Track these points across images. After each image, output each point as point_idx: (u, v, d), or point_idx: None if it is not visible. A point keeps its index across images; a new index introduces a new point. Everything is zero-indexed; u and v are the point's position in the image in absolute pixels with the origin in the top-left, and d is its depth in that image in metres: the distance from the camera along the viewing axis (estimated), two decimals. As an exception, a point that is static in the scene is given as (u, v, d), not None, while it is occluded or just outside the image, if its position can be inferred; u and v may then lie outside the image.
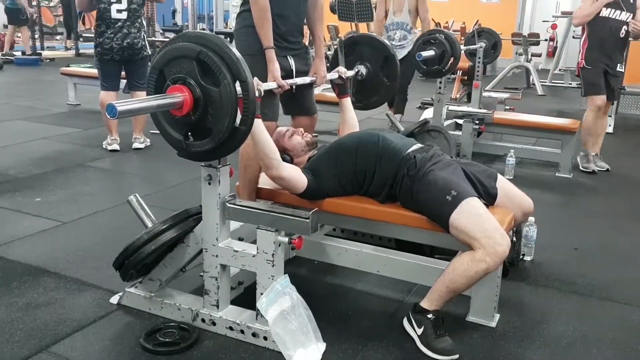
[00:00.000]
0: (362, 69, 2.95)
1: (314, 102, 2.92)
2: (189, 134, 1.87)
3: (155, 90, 1.87)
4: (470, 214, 2.08)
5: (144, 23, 4.90)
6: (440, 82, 4.57)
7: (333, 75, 2.75)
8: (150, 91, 1.88)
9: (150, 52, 4.95)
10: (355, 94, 2.88)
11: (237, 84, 1.78)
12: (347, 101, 2.83)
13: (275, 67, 2.55)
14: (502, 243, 2.03)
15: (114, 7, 4.60)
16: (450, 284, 2.08)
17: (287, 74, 2.65)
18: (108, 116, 1.57)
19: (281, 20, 2.64)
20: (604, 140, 4.71)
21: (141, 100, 1.75)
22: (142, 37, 4.78)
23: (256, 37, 2.60)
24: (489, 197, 2.34)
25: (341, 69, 2.78)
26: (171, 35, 8.39)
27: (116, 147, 4.87)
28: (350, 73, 2.86)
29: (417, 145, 2.39)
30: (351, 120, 2.80)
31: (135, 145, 4.95)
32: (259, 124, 2.11)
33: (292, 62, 2.72)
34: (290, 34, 2.74)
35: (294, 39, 2.78)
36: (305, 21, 2.85)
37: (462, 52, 4.56)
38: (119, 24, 4.63)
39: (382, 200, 2.31)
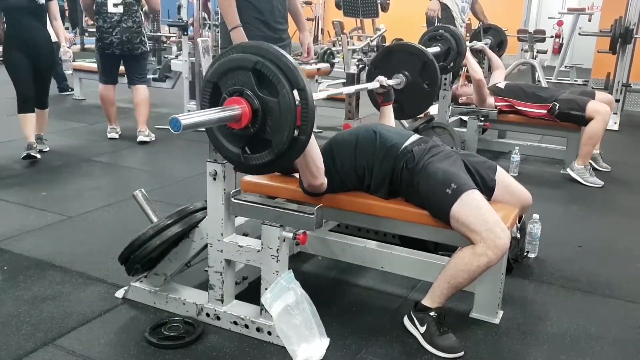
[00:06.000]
0: (402, 78, 2.93)
1: None
2: (246, 147, 1.84)
3: (210, 104, 1.83)
4: (471, 206, 2.08)
5: (142, 18, 4.95)
6: (445, 79, 4.56)
7: (374, 84, 2.73)
8: (204, 105, 1.84)
9: (148, 48, 5.03)
10: (396, 103, 2.86)
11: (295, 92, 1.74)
12: (389, 109, 2.81)
13: None
14: (503, 236, 2.03)
15: (110, 2, 4.76)
16: (452, 280, 2.08)
17: None
18: (172, 130, 1.56)
19: (260, 3, 2.66)
20: (609, 138, 4.69)
21: (202, 113, 1.70)
22: (141, 32, 4.88)
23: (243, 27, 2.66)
24: (487, 190, 2.33)
25: (381, 77, 2.75)
26: (176, 30, 8.35)
27: (114, 135, 5.10)
28: (392, 82, 2.83)
29: (415, 138, 2.37)
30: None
31: (140, 138, 5.00)
32: None
33: None
34: (274, 19, 2.78)
35: (280, 27, 2.82)
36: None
37: (468, 48, 4.55)
38: (116, 18, 4.77)
39: (384, 196, 2.31)
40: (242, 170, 1.94)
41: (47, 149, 4.59)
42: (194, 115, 1.64)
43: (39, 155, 4.25)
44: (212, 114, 1.71)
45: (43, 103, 4.56)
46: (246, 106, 1.74)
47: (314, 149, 2.11)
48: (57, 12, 4.42)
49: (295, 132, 1.74)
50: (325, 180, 2.22)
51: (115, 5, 4.76)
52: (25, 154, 4.19)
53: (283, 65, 1.72)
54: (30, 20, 4.20)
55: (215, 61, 1.83)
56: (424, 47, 3.03)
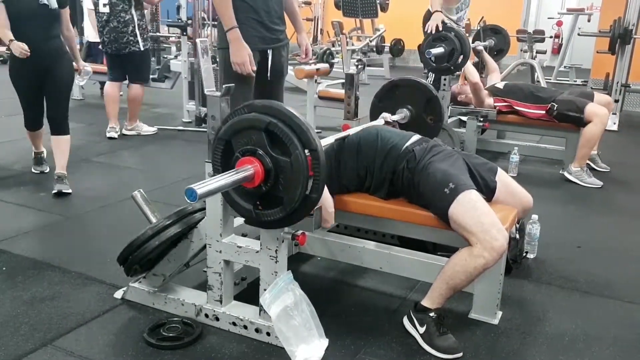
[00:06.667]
0: (406, 112, 2.94)
1: (283, 97, 3.05)
2: (258, 203, 1.85)
3: (222, 162, 1.85)
4: (467, 207, 2.08)
5: (134, 18, 5.00)
6: (445, 79, 4.56)
7: (379, 122, 2.76)
8: (216, 163, 1.86)
9: (142, 48, 5.06)
10: None
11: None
12: None
13: (236, 47, 2.58)
14: (499, 237, 2.03)
15: (101, 2, 4.97)
16: (450, 281, 2.08)
17: (263, 67, 2.74)
18: (188, 200, 1.57)
19: (256, 4, 2.70)
20: (608, 138, 4.69)
21: (216, 179, 1.71)
22: (129, 31, 4.96)
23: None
24: (488, 191, 2.34)
25: (385, 114, 2.79)
26: (176, 30, 8.37)
27: (113, 134, 5.21)
28: (396, 117, 2.85)
29: (416, 138, 2.38)
30: None
31: (122, 131, 5.32)
32: None
33: (270, 57, 2.79)
34: (270, 20, 2.80)
35: (277, 27, 2.84)
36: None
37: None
38: (105, 17, 4.97)
39: (384, 196, 2.31)
40: (255, 225, 1.95)
41: (70, 190, 3.60)
42: (208, 182, 1.65)
43: (47, 169, 3.96)
44: (226, 179, 1.72)
45: (60, 128, 3.70)
46: (259, 166, 1.76)
47: (326, 196, 2.11)
48: (69, 21, 3.74)
49: (307, 190, 1.76)
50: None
51: (105, 5, 4.97)
52: (36, 170, 4.01)
53: (295, 126, 1.75)
54: (41, 29, 3.52)
55: (228, 119, 1.85)
56: (428, 83, 3.06)
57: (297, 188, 1.75)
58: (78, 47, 4.08)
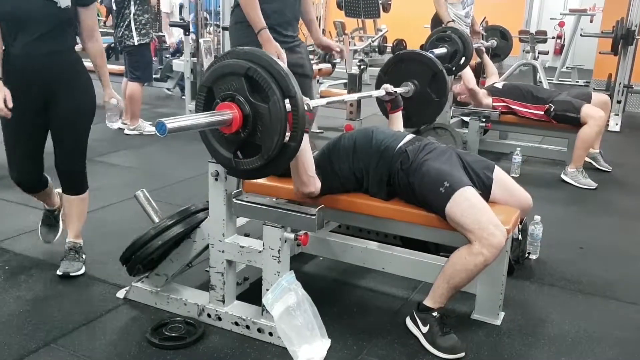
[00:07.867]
0: (410, 86, 2.94)
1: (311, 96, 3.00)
2: (238, 151, 1.85)
3: (205, 108, 1.85)
4: (463, 206, 2.08)
5: (130, 14, 5.08)
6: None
7: (380, 92, 2.76)
8: (199, 109, 1.86)
9: (136, 42, 5.11)
10: (404, 110, 2.87)
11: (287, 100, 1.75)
12: (398, 116, 2.82)
13: (272, 46, 2.58)
14: (497, 234, 2.02)
15: (113, 2, 5.27)
16: (451, 280, 2.08)
17: None
18: (158, 134, 1.56)
19: (272, 11, 2.70)
20: (610, 139, 4.68)
21: (190, 117, 1.72)
22: (124, 27, 5.10)
23: (247, 30, 2.68)
24: (484, 188, 2.32)
25: (387, 85, 2.78)
26: (178, 30, 8.37)
27: (119, 125, 5.30)
28: (400, 89, 2.85)
29: (409, 137, 2.38)
30: None
31: (125, 131, 5.37)
32: (304, 139, 2.02)
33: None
34: (281, 26, 2.80)
35: (286, 32, 2.83)
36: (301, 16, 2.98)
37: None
38: (116, 16, 5.21)
39: (384, 197, 2.31)
40: (235, 174, 1.96)
41: (82, 270, 2.54)
42: (181, 119, 1.64)
43: (57, 236, 2.81)
44: (200, 119, 1.72)
45: (74, 185, 2.63)
46: (237, 111, 1.75)
47: (306, 155, 2.12)
48: (94, 25, 2.50)
49: (286, 138, 1.75)
50: (315, 189, 2.23)
51: (114, 2, 5.21)
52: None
53: (275, 72, 1.74)
54: (43, 40, 2.31)
55: (211, 66, 1.85)
56: (435, 58, 3.03)
57: (275, 135, 1.74)
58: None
